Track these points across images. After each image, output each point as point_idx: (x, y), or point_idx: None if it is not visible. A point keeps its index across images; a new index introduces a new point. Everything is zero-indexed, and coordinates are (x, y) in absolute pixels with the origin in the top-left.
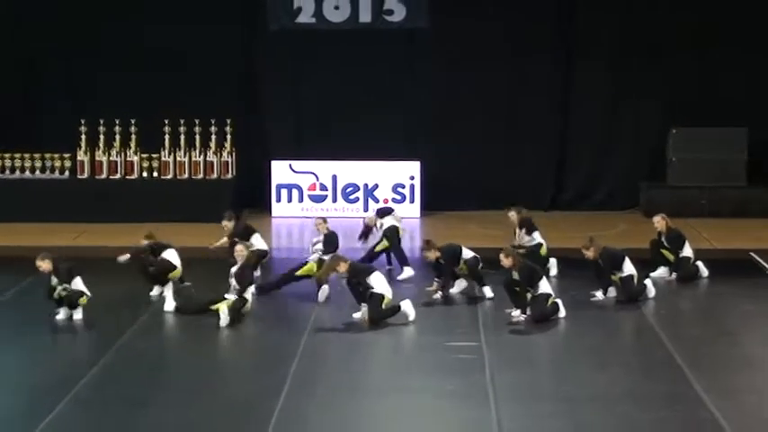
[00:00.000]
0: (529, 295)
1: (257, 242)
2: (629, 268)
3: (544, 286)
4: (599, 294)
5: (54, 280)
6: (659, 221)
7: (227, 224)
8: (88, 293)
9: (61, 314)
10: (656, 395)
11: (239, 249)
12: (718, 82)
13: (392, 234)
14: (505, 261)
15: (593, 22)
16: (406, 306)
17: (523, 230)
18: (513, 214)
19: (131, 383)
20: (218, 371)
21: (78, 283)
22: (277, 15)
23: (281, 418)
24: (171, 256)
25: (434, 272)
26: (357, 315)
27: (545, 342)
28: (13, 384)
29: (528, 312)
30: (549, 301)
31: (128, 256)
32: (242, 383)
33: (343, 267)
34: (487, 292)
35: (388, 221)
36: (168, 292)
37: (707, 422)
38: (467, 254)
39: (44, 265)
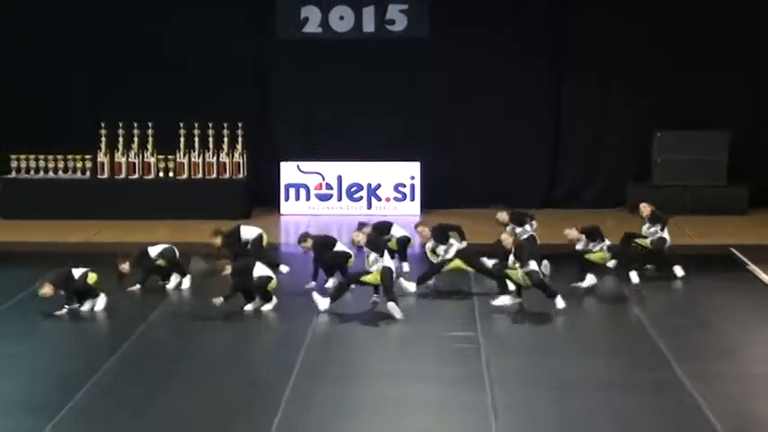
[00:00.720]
0: (521, 272)
1: (246, 233)
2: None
3: (534, 265)
4: (583, 284)
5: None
6: (645, 207)
7: (215, 240)
8: (91, 271)
9: (85, 306)
10: (642, 382)
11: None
12: (700, 88)
13: (404, 243)
14: (507, 241)
15: (584, 33)
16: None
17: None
18: (502, 215)
19: (149, 370)
20: (230, 358)
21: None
22: (285, 25)
23: (290, 403)
24: (158, 249)
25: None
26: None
27: (538, 332)
28: (37, 372)
29: (521, 299)
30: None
31: (138, 286)
32: (253, 370)
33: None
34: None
35: (398, 231)
36: (188, 281)
37: (690, 407)
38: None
39: (47, 291)
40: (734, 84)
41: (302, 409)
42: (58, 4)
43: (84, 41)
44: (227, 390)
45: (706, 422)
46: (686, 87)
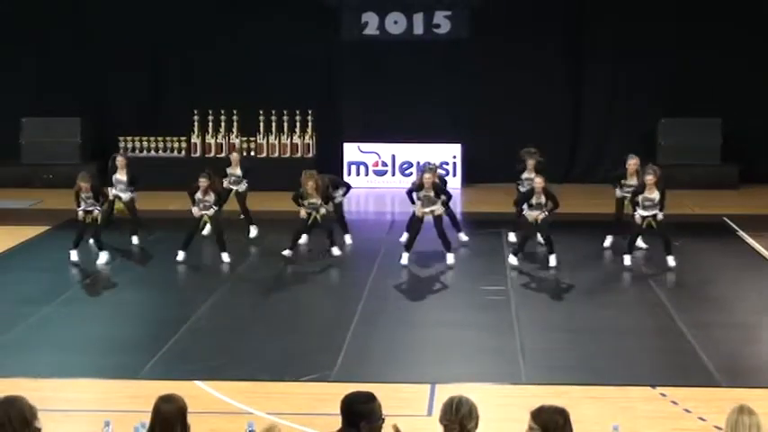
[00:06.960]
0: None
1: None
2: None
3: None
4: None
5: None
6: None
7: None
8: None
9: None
10: (646, 328)
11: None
12: (700, 82)
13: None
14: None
15: (599, 35)
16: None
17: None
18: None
19: (233, 317)
20: (299, 309)
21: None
22: (348, 29)
23: (351, 345)
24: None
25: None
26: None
27: (560, 287)
28: (140, 317)
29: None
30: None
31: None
32: (320, 318)
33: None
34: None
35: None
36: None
37: (687, 350)
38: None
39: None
40: (729, 78)
41: (361, 351)
42: (156, 7)
43: (180, 42)
44: (297, 335)
45: (700, 363)
46: (687, 81)
